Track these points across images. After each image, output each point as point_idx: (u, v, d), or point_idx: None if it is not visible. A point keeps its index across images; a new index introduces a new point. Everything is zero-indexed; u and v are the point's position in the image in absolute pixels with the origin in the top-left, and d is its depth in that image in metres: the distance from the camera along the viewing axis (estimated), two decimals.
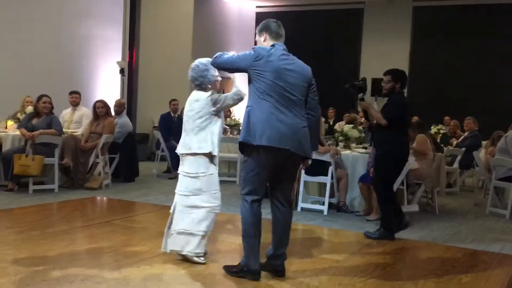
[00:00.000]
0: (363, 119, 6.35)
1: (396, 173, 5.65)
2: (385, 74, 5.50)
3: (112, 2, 11.60)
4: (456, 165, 8.96)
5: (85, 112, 8.57)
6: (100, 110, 8.03)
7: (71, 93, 8.56)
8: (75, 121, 8.47)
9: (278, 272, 3.88)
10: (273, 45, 3.83)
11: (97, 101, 8.19)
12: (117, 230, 5.21)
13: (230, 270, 3.93)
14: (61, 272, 3.81)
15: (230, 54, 3.91)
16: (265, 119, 3.67)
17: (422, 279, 4.10)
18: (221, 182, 9.19)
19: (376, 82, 14.67)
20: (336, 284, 3.87)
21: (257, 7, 15.41)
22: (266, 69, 3.72)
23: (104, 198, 7.17)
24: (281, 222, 3.88)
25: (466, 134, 9.83)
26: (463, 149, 9.04)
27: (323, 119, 10.07)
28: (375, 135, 5.76)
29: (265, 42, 3.91)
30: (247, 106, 3.80)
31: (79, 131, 8.24)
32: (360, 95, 5.57)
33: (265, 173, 3.76)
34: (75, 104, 8.52)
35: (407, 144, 5.64)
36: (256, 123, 3.68)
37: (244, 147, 3.78)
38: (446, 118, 11.62)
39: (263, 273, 3.92)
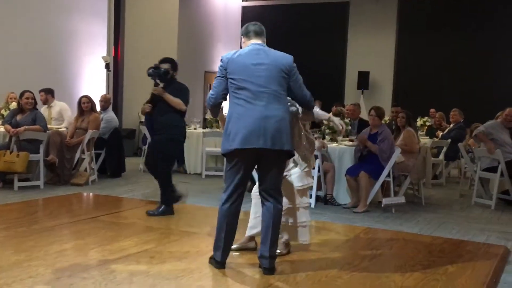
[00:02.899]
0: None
1: (177, 154, 6.31)
2: (163, 62, 5.91)
3: None
4: (441, 156, 9.03)
5: (62, 106, 8.44)
6: (85, 105, 7.97)
7: (39, 91, 8.33)
8: (54, 118, 8.35)
9: (265, 270, 3.87)
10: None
11: (82, 97, 8.12)
12: (104, 226, 5.18)
13: (210, 257, 4.03)
14: (48, 269, 3.79)
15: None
16: (236, 122, 3.70)
17: (409, 270, 4.13)
18: (209, 176, 9.20)
19: (362, 75, 14.75)
20: (323, 276, 3.88)
21: (243, 1, 15.35)
22: (235, 70, 3.74)
23: (90, 194, 7.12)
24: (265, 217, 3.85)
25: (451, 125, 9.90)
26: (449, 140, 9.12)
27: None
28: (159, 119, 5.78)
29: (244, 44, 3.97)
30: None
31: (63, 126, 8.16)
32: (158, 81, 5.88)
33: (243, 168, 3.78)
34: (44, 102, 8.37)
35: (185, 126, 6.01)
36: (230, 129, 3.73)
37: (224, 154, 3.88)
38: (432, 110, 11.68)
39: (253, 264, 3.95)
